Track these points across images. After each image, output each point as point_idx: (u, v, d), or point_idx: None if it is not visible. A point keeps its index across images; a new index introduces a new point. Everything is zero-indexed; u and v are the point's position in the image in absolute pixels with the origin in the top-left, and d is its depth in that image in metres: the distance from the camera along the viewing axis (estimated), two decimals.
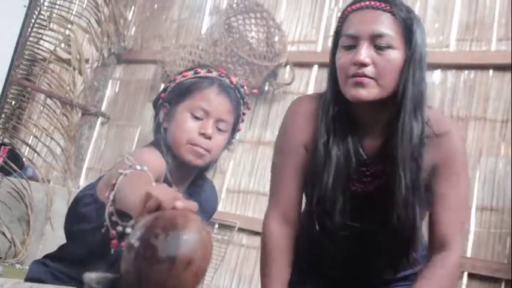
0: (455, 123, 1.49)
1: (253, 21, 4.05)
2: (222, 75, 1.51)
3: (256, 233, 3.54)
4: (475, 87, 3.33)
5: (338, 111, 1.39)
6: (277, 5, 4.21)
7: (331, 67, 1.42)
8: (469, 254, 3.08)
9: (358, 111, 1.38)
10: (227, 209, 3.95)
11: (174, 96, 1.50)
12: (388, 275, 1.49)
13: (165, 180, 1.46)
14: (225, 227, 3.88)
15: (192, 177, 1.57)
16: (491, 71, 3.30)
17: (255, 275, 3.60)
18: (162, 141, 1.49)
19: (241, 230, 3.79)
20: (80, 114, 4.64)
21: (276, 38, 3.95)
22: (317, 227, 1.42)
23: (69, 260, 1.49)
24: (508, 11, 3.30)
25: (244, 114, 1.58)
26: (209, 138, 1.46)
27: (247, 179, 3.94)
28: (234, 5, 3.99)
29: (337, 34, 1.40)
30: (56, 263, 1.54)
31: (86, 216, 1.41)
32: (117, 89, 4.92)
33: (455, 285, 1.33)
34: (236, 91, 1.52)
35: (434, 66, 3.45)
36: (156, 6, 4.95)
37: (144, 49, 4.86)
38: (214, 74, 1.51)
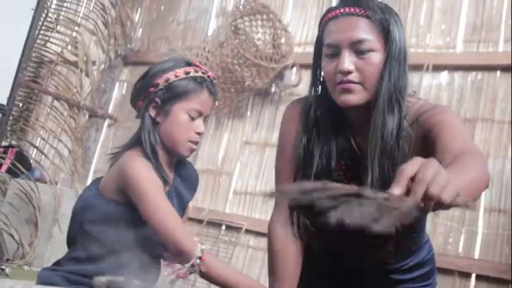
0: (444, 105, 1.51)
1: (259, 22, 4.06)
2: (204, 72, 1.67)
3: (263, 235, 3.54)
4: (482, 89, 3.32)
5: (322, 114, 1.45)
6: (284, 6, 4.22)
7: (314, 72, 1.48)
8: (476, 256, 3.07)
9: (349, 113, 1.44)
10: (234, 211, 3.96)
11: (168, 95, 1.63)
12: (383, 267, 1.50)
13: (160, 177, 1.59)
14: (232, 228, 3.89)
15: (175, 160, 1.74)
16: (498, 72, 3.30)
17: (262, 276, 3.60)
18: (154, 137, 1.63)
19: (248, 231, 3.80)
20: (87, 116, 4.66)
21: (283, 40, 3.95)
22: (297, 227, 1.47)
23: (94, 259, 1.54)
24: None
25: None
26: (201, 134, 1.66)
27: (254, 180, 3.94)
28: (241, 7, 4.00)
29: (319, 42, 1.45)
30: (67, 265, 1.56)
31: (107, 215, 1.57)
32: (123, 91, 4.93)
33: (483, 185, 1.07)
34: (214, 86, 1.70)
35: (441, 68, 3.46)
36: (162, 8, 4.96)
37: (151, 51, 4.88)
38: (199, 72, 1.66)
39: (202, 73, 1.66)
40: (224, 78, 3.85)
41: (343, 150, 1.44)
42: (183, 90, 1.62)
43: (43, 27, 4.14)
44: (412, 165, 0.87)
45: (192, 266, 1.47)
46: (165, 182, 1.60)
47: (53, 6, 4.30)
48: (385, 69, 1.35)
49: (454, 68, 3.43)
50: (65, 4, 4.39)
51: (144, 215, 1.49)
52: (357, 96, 1.35)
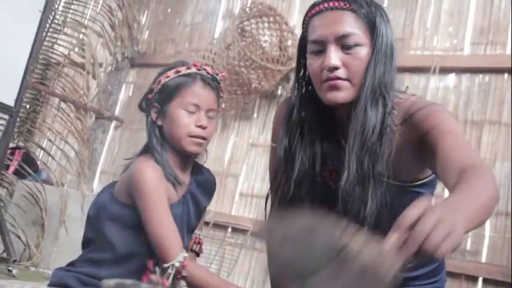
0: (437, 103, 1.44)
1: (266, 25, 4.06)
2: (199, 68, 1.66)
3: None
4: (490, 91, 3.31)
5: (307, 114, 1.40)
6: (290, 9, 4.22)
7: (297, 73, 1.43)
8: (484, 259, 3.06)
9: (336, 111, 1.39)
10: (240, 213, 3.96)
11: (162, 96, 1.65)
12: None
13: (170, 179, 1.59)
14: (238, 230, 3.88)
15: (191, 164, 1.72)
16: (506, 75, 3.28)
17: (268, 278, 3.60)
18: (157, 139, 1.64)
19: (254, 233, 3.80)
20: (93, 118, 4.68)
21: (289, 42, 3.95)
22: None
23: (106, 262, 1.56)
24: None
25: (222, 97, 1.76)
26: (204, 128, 1.63)
27: (260, 183, 3.94)
28: (247, 9, 4.00)
29: (303, 40, 1.40)
30: (82, 266, 1.58)
31: (115, 218, 1.60)
32: (130, 93, 4.94)
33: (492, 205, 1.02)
34: (214, 80, 1.68)
35: (448, 70, 3.45)
36: (169, 10, 4.97)
37: (158, 53, 4.89)
38: (193, 69, 1.65)
39: (198, 69, 1.65)
40: (230, 81, 3.85)
41: (331, 150, 1.40)
42: (174, 87, 1.63)
43: (50, 29, 4.15)
44: (413, 213, 0.84)
45: (176, 271, 1.46)
46: (177, 183, 1.60)
47: (60, 8, 4.32)
48: (370, 62, 1.29)
49: (461, 70, 3.42)
50: (72, 6, 4.40)
51: (142, 217, 1.51)
52: (344, 93, 1.30)
